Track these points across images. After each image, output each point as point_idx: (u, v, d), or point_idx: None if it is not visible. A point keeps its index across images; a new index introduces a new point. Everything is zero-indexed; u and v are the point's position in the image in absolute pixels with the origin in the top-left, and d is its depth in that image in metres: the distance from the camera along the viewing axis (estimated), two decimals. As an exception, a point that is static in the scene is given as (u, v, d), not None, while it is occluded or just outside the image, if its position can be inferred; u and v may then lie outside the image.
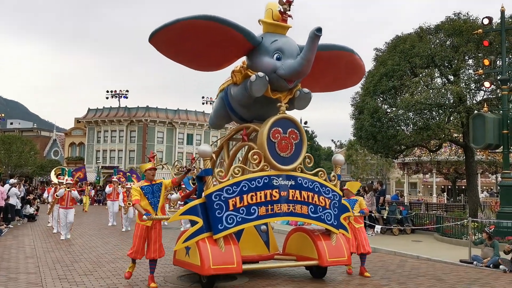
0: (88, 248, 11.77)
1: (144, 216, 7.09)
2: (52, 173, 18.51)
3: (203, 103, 57.90)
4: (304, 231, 8.47)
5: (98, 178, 47.88)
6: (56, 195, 14.53)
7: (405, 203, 23.53)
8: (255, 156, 7.53)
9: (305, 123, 40.47)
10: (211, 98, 57.64)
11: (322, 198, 7.98)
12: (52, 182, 18.22)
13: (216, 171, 7.30)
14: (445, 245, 13.89)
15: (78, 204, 25.85)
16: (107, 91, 55.22)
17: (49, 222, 17.52)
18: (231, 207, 7.12)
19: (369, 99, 18.36)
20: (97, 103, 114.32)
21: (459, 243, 13.35)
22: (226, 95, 8.60)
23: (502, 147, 14.47)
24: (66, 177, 15.63)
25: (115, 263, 9.61)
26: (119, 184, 18.91)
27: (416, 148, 23.29)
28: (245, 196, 7.25)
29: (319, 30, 7.01)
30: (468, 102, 18.13)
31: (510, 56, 16.72)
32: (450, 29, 17.86)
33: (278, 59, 7.55)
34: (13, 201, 16.77)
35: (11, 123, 74.70)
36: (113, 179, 19.48)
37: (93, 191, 36.59)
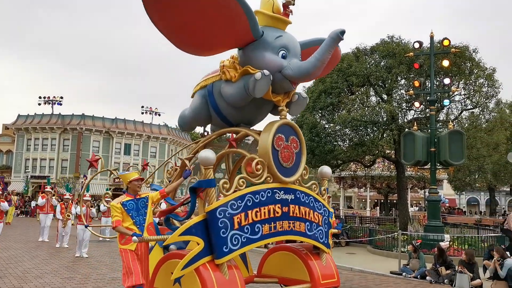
0: (14, 263, 11.06)
1: (134, 238, 5.75)
2: None
3: (142, 113, 56.65)
4: (289, 250, 7.52)
5: (26, 188, 45.26)
6: None
7: (341, 216, 24.24)
8: (258, 166, 6.48)
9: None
10: (150, 108, 56.62)
11: (316, 214, 7.24)
12: None
13: (221, 182, 6.17)
14: (377, 257, 14.46)
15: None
16: (40, 97, 52.53)
17: None
18: (236, 225, 6.01)
19: (308, 115, 18.87)
20: (28, 109, 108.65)
21: (390, 255, 13.94)
22: (210, 94, 7.53)
23: (430, 164, 15.36)
24: None
25: (42, 278, 9.09)
26: (53, 195, 17.62)
27: (351, 163, 24.18)
28: (249, 212, 6.23)
29: (343, 32, 6.40)
30: (399, 120, 19.15)
31: (438, 79, 17.89)
32: (385, 51, 18.87)
33: (284, 57, 6.73)
34: None
35: None
36: (46, 189, 17.71)
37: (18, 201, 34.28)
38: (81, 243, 12.73)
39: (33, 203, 19.70)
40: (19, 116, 52.17)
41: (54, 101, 52.52)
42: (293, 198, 6.85)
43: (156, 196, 6.49)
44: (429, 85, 16.23)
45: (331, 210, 7.99)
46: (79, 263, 11.34)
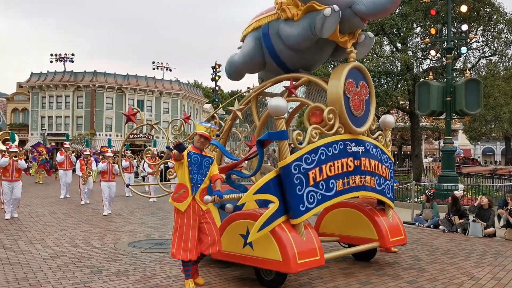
0: (35, 217, 11.41)
1: (207, 197, 5.14)
2: None
3: (153, 68, 56.31)
4: (351, 206, 6.95)
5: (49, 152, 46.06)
6: None
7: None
8: (330, 115, 5.86)
9: (248, 88, 40.23)
10: (161, 63, 56.19)
11: (384, 168, 6.71)
12: None
13: (295, 134, 5.51)
14: (390, 207, 14.54)
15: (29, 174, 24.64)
16: (51, 55, 52.38)
17: None
18: (311, 181, 5.51)
19: (320, 66, 18.52)
20: (40, 67, 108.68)
21: (403, 206, 14.02)
22: (266, 35, 6.73)
23: (445, 114, 15.13)
24: (12, 143, 13.13)
25: (63, 231, 9.39)
26: (72, 152, 17.44)
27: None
28: (323, 166, 5.70)
29: None
30: (414, 70, 18.71)
31: (456, 25, 17.29)
32: (400, -3, 18.17)
33: None
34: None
35: None
36: (65, 145, 17.36)
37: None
38: (107, 200, 12.26)
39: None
40: (32, 74, 52.36)
41: (65, 59, 52.40)
42: (363, 150, 6.33)
43: (214, 172, 5.46)
44: (446, 32, 15.70)
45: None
46: (97, 217, 11.67)
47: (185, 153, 5.31)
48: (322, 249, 5.54)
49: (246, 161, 6.83)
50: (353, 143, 6.16)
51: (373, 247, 6.70)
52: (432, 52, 15.90)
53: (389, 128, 7.15)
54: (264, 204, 5.62)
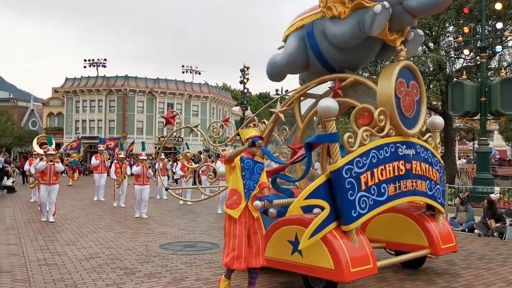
0: (70, 219, 11.73)
1: (257, 202, 5.02)
2: (35, 142, 16.16)
3: (183, 72, 57.00)
4: (398, 211, 6.59)
5: (78, 149, 47.28)
6: (36, 168, 12.29)
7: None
8: (381, 117, 5.64)
9: (286, 91, 40.15)
10: (191, 67, 56.81)
11: (434, 171, 6.44)
12: (35, 153, 15.78)
13: (346, 136, 5.28)
14: (422, 211, 14.23)
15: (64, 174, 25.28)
16: (85, 60, 53.79)
17: (31, 198, 15.83)
18: (363, 186, 5.29)
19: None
20: (74, 72, 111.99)
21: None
22: (310, 35, 6.51)
23: (479, 114, 14.72)
24: (49, 146, 12.73)
25: (97, 233, 9.61)
26: (109, 156, 17.39)
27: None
28: (375, 170, 5.47)
29: None
30: (447, 69, 18.28)
31: (490, 23, 16.80)
32: (432, -5, 17.77)
33: None
34: (-9, 172, 16.50)
35: (-14, 93, 72.67)
36: (99, 148, 17.40)
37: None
38: (140, 203, 12.23)
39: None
40: (66, 79, 53.88)
41: (98, 63, 53.69)
42: (414, 153, 6.07)
43: (263, 179, 5.35)
44: (480, 31, 15.27)
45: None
46: (130, 219, 11.89)
47: (237, 157, 5.19)
48: (375, 256, 5.33)
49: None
50: (404, 146, 5.93)
51: (424, 255, 6.41)
52: (466, 51, 15.50)
53: (438, 129, 6.87)
54: (308, 209, 5.48)
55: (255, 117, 7.84)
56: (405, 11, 5.72)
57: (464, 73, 15.55)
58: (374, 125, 5.63)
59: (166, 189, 8.45)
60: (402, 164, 5.81)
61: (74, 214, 12.65)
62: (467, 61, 18.62)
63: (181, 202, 15.16)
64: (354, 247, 5.14)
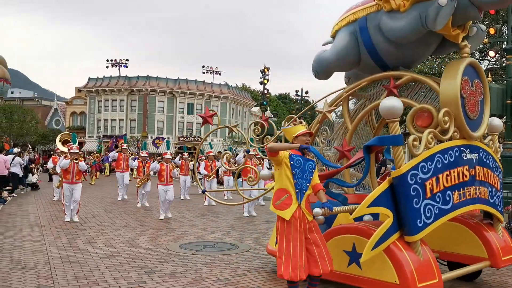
0: (91, 217, 11.90)
1: (317, 209, 4.67)
2: (58, 139, 16.29)
3: (203, 72, 57.42)
4: (454, 219, 5.95)
5: (99, 148, 48.04)
6: (60, 166, 11.90)
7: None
8: (446, 118, 5.24)
9: (306, 92, 40.03)
10: (211, 67, 57.16)
11: (495, 177, 6.01)
12: (58, 151, 15.93)
13: (411, 139, 4.90)
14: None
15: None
16: (107, 60, 54.78)
17: (54, 196, 15.92)
18: (428, 193, 4.89)
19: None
20: (97, 72, 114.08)
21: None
22: (363, 29, 6.15)
23: (505, 117, 14.41)
24: (73, 144, 12.44)
25: (118, 231, 9.72)
26: (131, 154, 17.30)
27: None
28: (440, 176, 5.06)
29: None
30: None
31: (517, 25, 16.42)
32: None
33: None
34: (16, 170, 16.88)
35: (12, 92, 74.42)
36: (123, 147, 17.29)
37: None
38: (165, 204, 11.90)
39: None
40: (89, 79, 54.86)
41: (120, 64, 54.49)
42: (477, 158, 5.66)
43: (316, 181, 4.94)
44: (506, 32, 14.96)
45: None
46: (150, 218, 12.00)
47: (286, 154, 4.80)
48: (440, 270, 4.91)
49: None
50: (468, 150, 5.50)
51: (484, 267, 5.90)
52: (491, 53, 15.20)
53: (497, 132, 6.36)
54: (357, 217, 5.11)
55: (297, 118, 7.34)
56: (470, 3, 5.36)
57: (490, 75, 15.25)
58: (435, 127, 5.23)
59: (203, 192, 8.20)
60: (466, 169, 5.41)
61: (96, 213, 12.83)
62: (493, 63, 18.26)
63: (213, 203, 14.82)
64: (419, 260, 4.73)
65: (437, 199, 4.95)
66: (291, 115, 7.10)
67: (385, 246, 4.63)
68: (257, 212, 13.19)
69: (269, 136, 7.42)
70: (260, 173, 6.88)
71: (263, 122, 7.30)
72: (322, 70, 6.83)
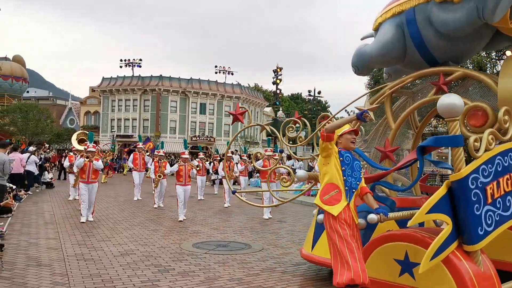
0: (105, 215, 12.00)
1: (373, 216, 4.37)
2: (74, 138, 16.17)
3: (216, 72, 57.54)
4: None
5: (113, 147, 48.42)
6: (76, 165, 11.77)
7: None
8: (506, 117, 4.93)
9: (319, 92, 39.99)
10: (223, 67, 57.23)
11: None
12: (74, 149, 15.93)
13: (472, 139, 4.53)
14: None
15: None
16: (121, 60, 55.16)
17: (70, 195, 15.73)
18: (489, 199, 4.51)
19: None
20: (111, 72, 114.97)
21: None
22: (411, 22, 5.78)
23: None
24: (89, 143, 12.23)
25: (131, 230, 9.78)
26: (147, 153, 17.26)
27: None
28: (500, 180, 4.67)
29: None
30: (488, 71, 17.70)
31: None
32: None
33: None
34: (32, 168, 17.07)
35: (28, 91, 75.42)
36: (138, 146, 17.23)
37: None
38: (184, 205, 11.63)
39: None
40: (103, 79, 55.32)
41: (134, 64, 54.86)
42: None
43: (362, 183, 4.59)
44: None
45: None
46: (163, 217, 12.06)
47: (336, 149, 4.55)
48: (500, 282, 4.53)
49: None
50: None
51: None
52: (508, 53, 14.94)
53: None
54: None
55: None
56: None
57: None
58: (490, 126, 4.92)
59: (233, 192, 8.14)
60: None
61: (109, 211, 12.93)
62: (509, 62, 17.99)
63: (226, 205, 14.71)
64: (479, 271, 4.35)
65: (498, 205, 4.60)
66: (325, 113, 6.88)
67: (444, 256, 4.26)
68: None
69: (302, 136, 7.20)
70: (296, 174, 6.59)
71: (296, 119, 7.05)
72: (363, 66, 6.50)
